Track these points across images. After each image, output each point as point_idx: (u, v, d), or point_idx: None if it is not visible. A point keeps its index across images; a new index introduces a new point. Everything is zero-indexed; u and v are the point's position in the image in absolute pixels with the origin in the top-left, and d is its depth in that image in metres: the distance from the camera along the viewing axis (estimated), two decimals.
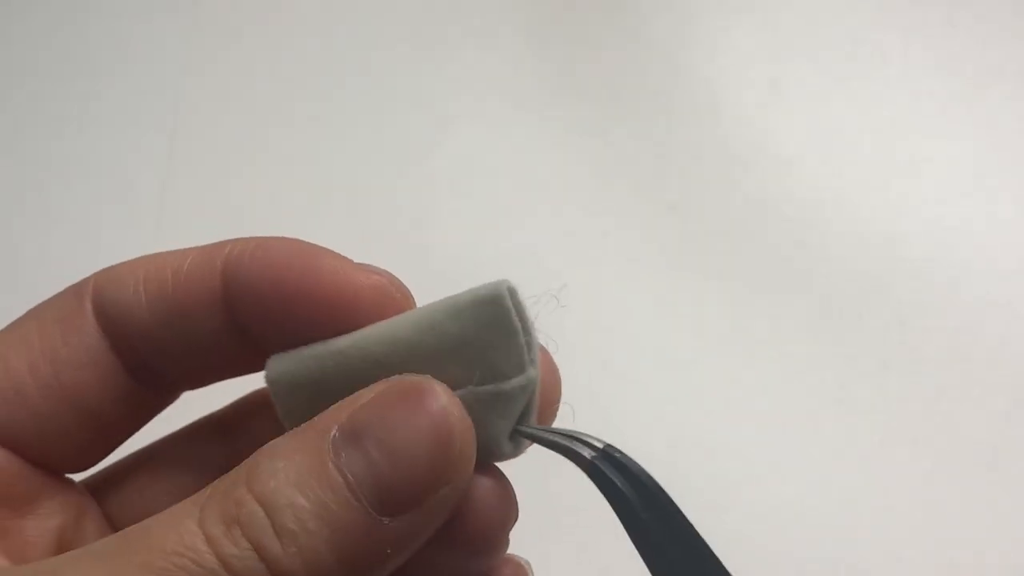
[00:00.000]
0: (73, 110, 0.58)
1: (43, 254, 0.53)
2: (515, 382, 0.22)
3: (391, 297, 0.24)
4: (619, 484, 0.22)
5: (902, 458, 0.46)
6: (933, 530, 0.45)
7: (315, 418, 0.21)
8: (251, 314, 0.24)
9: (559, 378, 0.25)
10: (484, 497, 0.23)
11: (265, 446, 0.21)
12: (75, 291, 0.26)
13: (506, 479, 0.23)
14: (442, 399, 0.21)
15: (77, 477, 0.27)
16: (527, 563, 0.26)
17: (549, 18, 0.60)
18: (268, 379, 0.24)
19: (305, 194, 0.54)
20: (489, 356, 0.22)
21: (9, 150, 0.57)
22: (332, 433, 0.21)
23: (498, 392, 0.22)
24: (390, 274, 0.24)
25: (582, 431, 0.22)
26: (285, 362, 0.24)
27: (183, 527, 0.20)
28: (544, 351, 0.24)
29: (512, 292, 0.22)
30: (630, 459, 0.22)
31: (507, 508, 0.23)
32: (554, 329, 0.53)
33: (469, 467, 0.21)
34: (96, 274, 0.26)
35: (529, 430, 0.23)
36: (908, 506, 0.45)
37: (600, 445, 0.22)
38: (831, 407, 0.48)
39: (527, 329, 0.22)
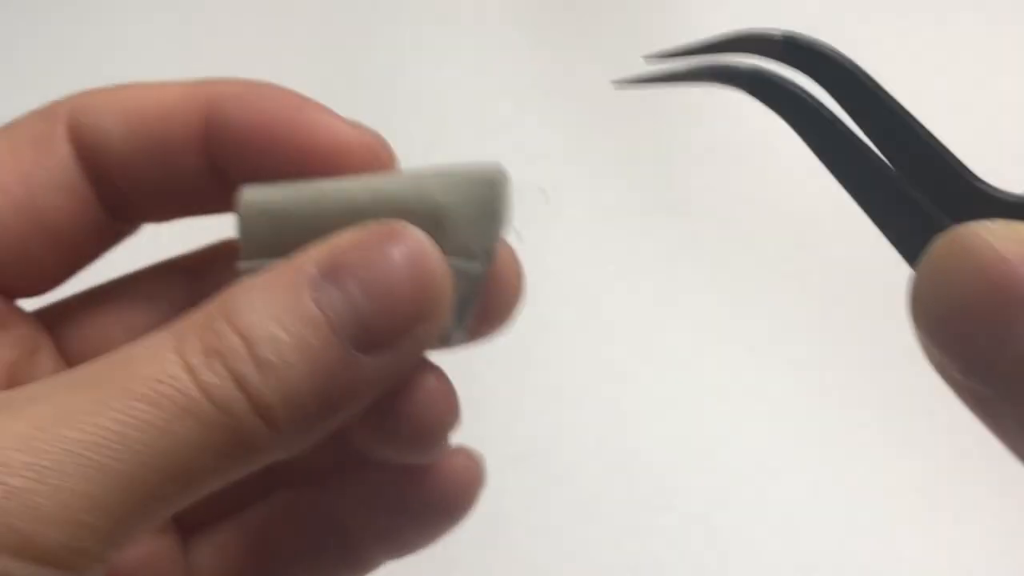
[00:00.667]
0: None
1: None
2: (478, 265, 0.23)
3: (380, 158, 0.24)
4: (794, 98, 0.20)
5: (903, 458, 0.46)
6: (934, 531, 0.45)
7: (292, 257, 0.22)
8: (232, 158, 0.24)
9: (522, 274, 0.25)
10: (425, 389, 0.23)
11: (241, 282, 0.21)
12: (46, 114, 0.26)
13: (451, 382, 0.24)
14: (423, 241, 0.22)
15: (31, 303, 0.27)
16: (480, 455, 0.26)
17: (548, 18, 0.60)
18: (238, 197, 0.24)
19: None
20: (464, 232, 0.23)
21: None
22: (310, 270, 0.21)
23: (461, 270, 0.23)
24: (381, 136, 0.25)
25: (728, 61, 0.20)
26: (261, 188, 0.24)
27: (163, 357, 0.20)
28: (507, 246, 0.24)
29: (505, 177, 0.23)
30: (782, 78, 0.20)
31: (447, 403, 0.24)
32: (554, 328, 0.53)
33: (444, 308, 0.22)
34: (71, 98, 0.26)
35: (651, 73, 0.21)
36: (909, 506, 0.45)
37: (748, 68, 0.20)
38: (831, 407, 0.48)
39: (505, 218, 0.23)
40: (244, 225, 0.24)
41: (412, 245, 0.21)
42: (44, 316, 0.27)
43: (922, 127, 0.19)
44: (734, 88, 0.21)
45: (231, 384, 0.20)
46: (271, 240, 0.23)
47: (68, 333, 0.27)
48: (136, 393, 0.20)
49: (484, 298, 0.24)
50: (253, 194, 0.24)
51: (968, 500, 0.45)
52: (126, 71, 0.58)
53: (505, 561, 0.44)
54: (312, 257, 0.21)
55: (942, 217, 0.19)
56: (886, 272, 0.54)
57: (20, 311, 0.26)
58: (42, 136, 0.25)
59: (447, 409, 0.24)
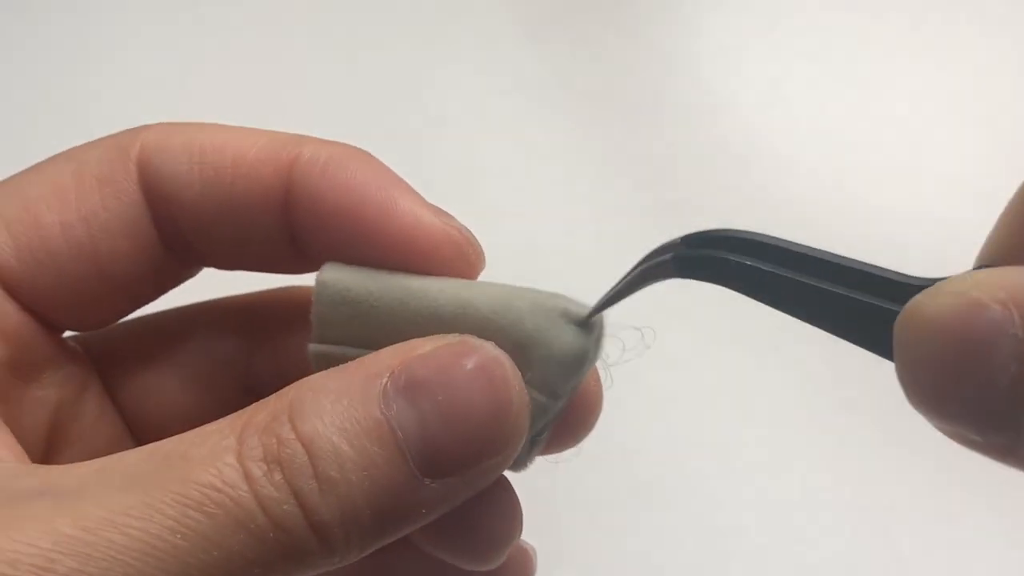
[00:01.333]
0: (73, 108, 0.58)
1: None
2: (558, 404, 0.22)
3: (465, 256, 0.23)
4: (711, 273, 0.21)
5: (904, 458, 0.46)
6: (935, 531, 0.45)
7: (365, 358, 0.20)
8: (312, 229, 0.23)
9: (601, 403, 0.25)
10: (492, 504, 0.23)
11: (309, 379, 0.20)
12: (119, 147, 0.24)
13: (515, 494, 0.23)
14: (506, 368, 0.20)
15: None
16: (532, 549, 0.26)
17: (548, 18, 0.60)
18: (320, 279, 0.23)
19: None
20: (551, 370, 0.21)
21: (9, 149, 0.57)
22: (384, 380, 0.20)
23: (540, 404, 0.21)
24: (467, 229, 0.24)
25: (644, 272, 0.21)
26: (343, 271, 0.23)
27: (221, 460, 0.19)
28: (594, 374, 0.24)
29: (602, 328, 0.22)
30: (702, 253, 0.21)
31: (512, 518, 0.23)
32: None
33: (519, 443, 0.21)
34: (144, 132, 0.25)
35: (600, 302, 0.22)
36: (910, 507, 0.45)
37: (666, 257, 0.21)
38: (831, 407, 0.48)
39: (594, 360, 0.22)
40: (321, 308, 0.23)
41: (496, 373, 0.20)
42: (92, 345, 0.26)
43: (832, 253, 0.21)
44: (667, 280, 0.21)
45: (290, 499, 0.19)
46: (347, 328, 0.22)
47: (118, 374, 0.26)
48: (191, 500, 0.19)
49: (557, 426, 0.23)
50: (335, 276, 0.23)
51: (968, 501, 0.45)
52: (125, 72, 0.58)
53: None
54: (387, 364, 0.20)
55: (892, 308, 0.20)
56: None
57: (70, 347, 0.25)
58: (111, 174, 0.24)
59: (512, 524, 0.23)
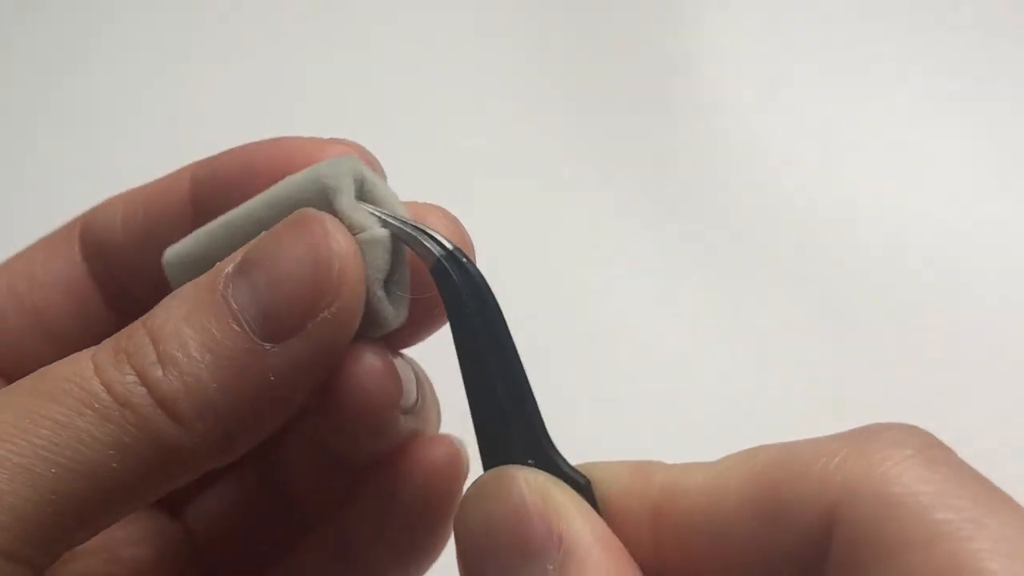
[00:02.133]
0: (72, 108, 0.58)
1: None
2: (382, 232, 0.22)
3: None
4: (459, 285, 0.22)
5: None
6: None
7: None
8: (219, 204, 0.24)
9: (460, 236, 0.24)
10: (360, 372, 0.23)
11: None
12: (70, 222, 0.27)
13: (390, 359, 0.23)
14: (326, 224, 0.21)
15: None
16: (460, 442, 0.26)
17: (548, 18, 0.60)
18: (164, 262, 0.24)
19: None
20: (354, 205, 0.22)
21: (9, 149, 0.57)
22: (226, 270, 0.21)
23: (366, 242, 0.22)
24: (359, 145, 0.25)
25: (436, 232, 0.23)
26: (179, 245, 0.24)
27: (78, 359, 0.21)
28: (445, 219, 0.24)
29: (353, 167, 0.23)
30: (475, 267, 0.22)
31: (387, 385, 0.23)
32: (554, 328, 0.53)
33: (351, 290, 0.21)
34: (93, 207, 0.27)
35: (376, 209, 0.23)
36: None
37: (450, 247, 0.22)
38: (830, 407, 0.48)
39: (366, 191, 0.23)
40: (174, 281, 0.24)
41: (314, 227, 0.21)
42: None
43: (527, 385, 0.22)
44: (424, 259, 0.23)
45: (134, 379, 0.20)
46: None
47: None
48: (41, 391, 0.20)
49: (408, 270, 0.23)
50: (174, 251, 0.24)
51: None
52: (128, 71, 0.58)
53: None
54: (229, 259, 0.21)
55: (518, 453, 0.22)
56: (886, 272, 0.55)
57: None
58: (56, 241, 0.27)
59: (385, 385, 0.23)
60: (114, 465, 0.20)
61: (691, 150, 0.55)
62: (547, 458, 0.22)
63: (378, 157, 0.26)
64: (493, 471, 0.21)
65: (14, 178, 0.56)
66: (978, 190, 0.54)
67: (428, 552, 0.26)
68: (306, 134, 0.26)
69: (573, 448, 0.23)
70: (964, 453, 0.19)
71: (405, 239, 0.23)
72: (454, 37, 0.60)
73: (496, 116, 0.57)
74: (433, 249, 0.22)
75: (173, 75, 0.58)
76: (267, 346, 0.20)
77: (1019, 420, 0.46)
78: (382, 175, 0.25)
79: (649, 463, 0.22)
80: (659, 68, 0.58)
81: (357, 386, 0.22)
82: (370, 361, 0.23)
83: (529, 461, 0.21)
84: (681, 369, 0.49)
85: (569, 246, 0.53)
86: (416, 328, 0.24)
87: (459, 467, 0.25)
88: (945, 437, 0.20)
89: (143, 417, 0.20)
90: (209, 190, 0.25)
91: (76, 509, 0.19)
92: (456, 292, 0.22)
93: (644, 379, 0.49)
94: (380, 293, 0.22)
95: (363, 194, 0.23)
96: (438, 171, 0.54)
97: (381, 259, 0.22)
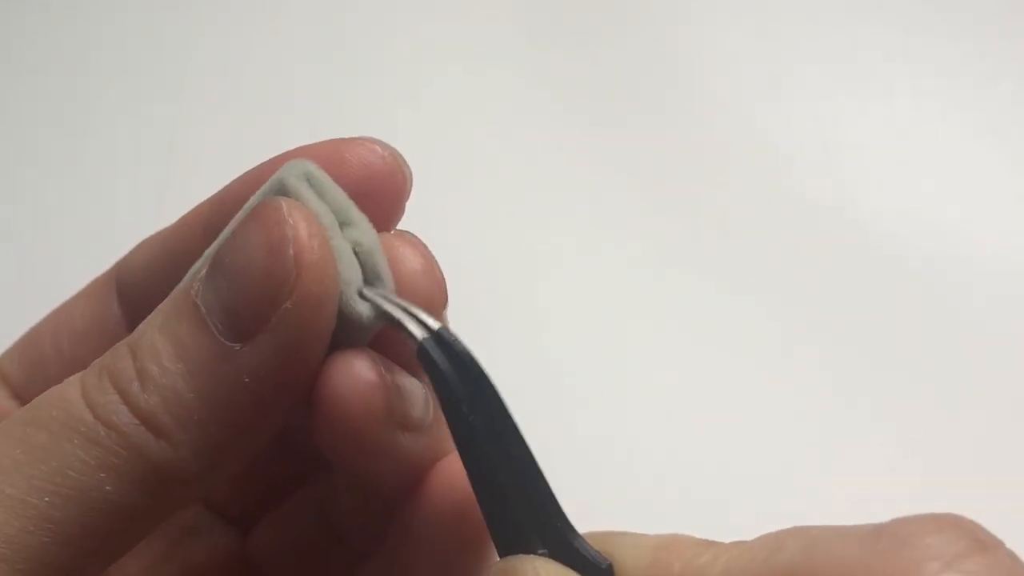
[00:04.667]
0: (73, 109, 0.58)
1: (42, 253, 0.53)
2: (340, 233, 0.21)
3: (382, 172, 0.23)
4: (447, 372, 0.20)
5: (902, 458, 0.46)
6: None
7: None
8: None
9: (428, 265, 0.23)
10: (338, 381, 0.21)
11: None
12: (111, 268, 0.27)
13: (379, 370, 0.21)
14: (282, 209, 0.20)
15: None
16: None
17: (548, 19, 0.60)
18: None
19: None
20: (316, 204, 0.21)
21: (9, 149, 0.57)
22: (200, 274, 0.20)
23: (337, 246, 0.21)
24: (385, 145, 0.24)
25: (419, 309, 0.21)
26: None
27: (67, 384, 0.20)
28: (413, 242, 0.23)
29: (294, 169, 0.21)
30: (464, 347, 0.20)
31: (370, 397, 0.21)
32: (556, 328, 0.53)
33: (312, 275, 0.20)
34: (127, 253, 0.27)
35: (368, 292, 0.21)
36: (909, 508, 0.45)
37: (435, 327, 0.21)
38: (829, 407, 0.48)
39: (324, 198, 0.21)
40: None
41: (269, 215, 0.20)
42: None
43: (536, 465, 0.21)
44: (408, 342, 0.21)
45: (114, 396, 0.19)
46: None
47: None
48: (30, 419, 0.20)
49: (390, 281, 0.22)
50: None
51: (969, 504, 0.45)
52: (125, 71, 0.58)
53: None
54: (204, 261, 0.21)
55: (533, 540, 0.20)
56: (886, 272, 0.55)
57: None
58: (96, 287, 0.27)
59: (367, 397, 0.21)
60: (108, 488, 0.19)
61: (690, 150, 0.55)
62: (564, 542, 0.20)
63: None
64: (502, 564, 0.20)
65: (14, 180, 0.56)
66: (978, 190, 0.53)
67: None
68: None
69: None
70: (965, 455, 0.19)
71: (389, 321, 0.21)
72: (453, 42, 0.60)
73: (494, 116, 0.57)
74: (416, 331, 0.21)
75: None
76: (236, 347, 0.19)
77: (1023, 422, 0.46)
78: (401, 171, 0.24)
79: (674, 540, 0.20)
80: (659, 68, 0.58)
81: (333, 396, 0.21)
82: (352, 369, 0.21)
83: (541, 551, 0.20)
84: (679, 370, 0.49)
85: (567, 247, 0.53)
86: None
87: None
88: (945, 439, 0.19)
89: (127, 436, 0.19)
90: (220, 218, 0.24)
91: (77, 538, 0.19)
92: (444, 377, 0.20)
93: (645, 378, 0.49)
94: (353, 294, 0.21)
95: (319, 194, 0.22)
96: (438, 176, 0.54)
97: (349, 268, 0.21)
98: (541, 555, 0.20)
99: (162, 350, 0.20)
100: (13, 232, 0.54)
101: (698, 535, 0.21)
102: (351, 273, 0.21)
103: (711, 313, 0.50)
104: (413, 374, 0.22)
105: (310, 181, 0.21)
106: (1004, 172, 0.54)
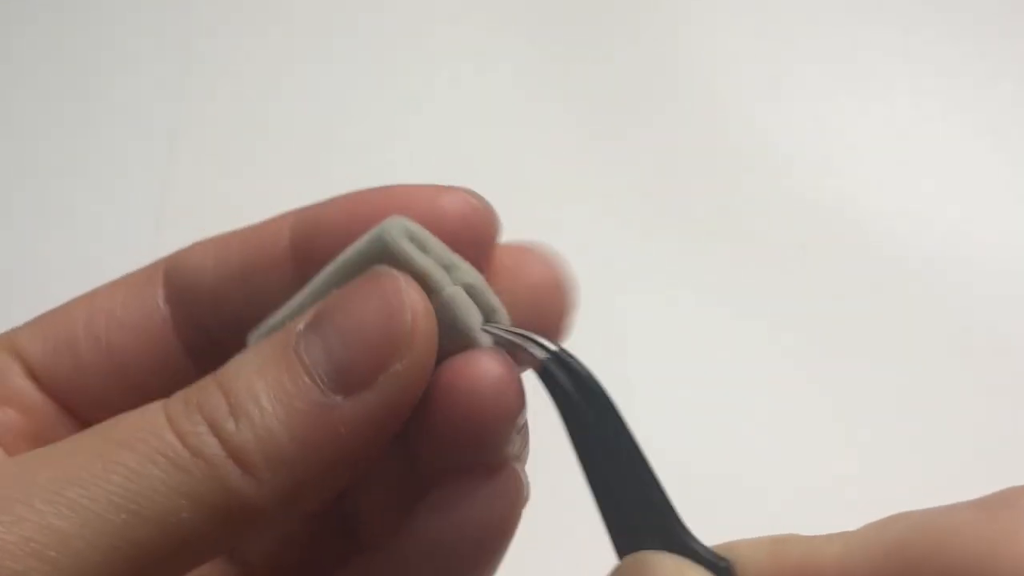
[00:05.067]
0: (73, 110, 0.58)
1: (43, 254, 0.53)
2: (449, 289, 0.22)
3: (477, 222, 0.24)
4: (569, 389, 0.22)
5: (900, 456, 0.46)
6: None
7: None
8: (321, 259, 0.24)
9: (560, 291, 0.24)
10: (481, 375, 0.22)
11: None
12: (154, 263, 0.26)
13: (512, 364, 0.22)
14: (399, 280, 0.21)
15: None
16: (524, 474, 0.25)
17: (548, 20, 0.60)
18: (247, 343, 0.24)
19: (307, 197, 0.54)
20: (420, 260, 0.22)
21: (9, 149, 0.57)
22: (299, 327, 0.21)
23: (443, 300, 0.22)
24: (477, 195, 0.25)
25: (536, 335, 0.22)
26: (262, 327, 0.24)
27: (149, 410, 0.21)
28: (546, 264, 0.24)
29: (395, 228, 0.22)
30: (583, 367, 0.22)
31: (510, 394, 0.22)
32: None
33: (424, 343, 0.21)
34: (179, 250, 0.27)
35: (488, 327, 0.23)
36: (907, 504, 0.45)
37: (554, 348, 0.22)
38: (828, 407, 0.48)
39: (427, 252, 0.22)
40: None
41: (386, 283, 0.21)
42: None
43: (652, 472, 0.22)
44: (528, 368, 0.23)
45: (206, 428, 0.20)
46: None
47: None
48: (114, 438, 0.20)
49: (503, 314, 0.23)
50: (256, 334, 0.24)
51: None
52: (127, 69, 0.58)
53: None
54: (301, 317, 0.21)
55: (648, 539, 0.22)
56: (886, 272, 0.55)
57: None
58: (139, 279, 0.26)
59: (507, 393, 0.22)
60: (184, 515, 0.19)
61: (690, 151, 0.55)
62: (683, 544, 0.21)
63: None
64: (630, 558, 0.21)
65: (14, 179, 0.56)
66: (978, 190, 0.54)
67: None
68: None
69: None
70: (965, 456, 0.19)
71: (505, 345, 0.22)
72: (454, 44, 0.60)
73: (495, 116, 0.57)
74: (537, 354, 0.22)
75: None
76: (338, 399, 0.20)
77: (1022, 419, 0.47)
78: (492, 222, 0.25)
79: (788, 536, 0.21)
80: (659, 68, 0.58)
81: (476, 391, 0.22)
82: (490, 365, 0.22)
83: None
84: (676, 371, 0.49)
85: (567, 247, 0.52)
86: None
87: (517, 500, 0.24)
88: (946, 439, 0.20)
89: (215, 467, 0.20)
90: (310, 239, 0.25)
91: (143, 558, 0.19)
92: (566, 393, 0.22)
93: (645, 378, 0.49)
94: (478, 331, 0.22)
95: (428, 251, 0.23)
96: (437, 172, 0.54)
97: (471, 307, 0.22)
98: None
99: (260, 392, 0.20)
100: (13, 232, 0.54)
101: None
102: (473, 314, 0.22)
103: (711, 313, 0.50)
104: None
105: (411, 238, 0.23)
106: (1004, 172, 0.54)
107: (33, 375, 0.26)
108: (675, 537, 0.21)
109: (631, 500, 0.22)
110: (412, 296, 0.21)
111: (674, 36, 0.59)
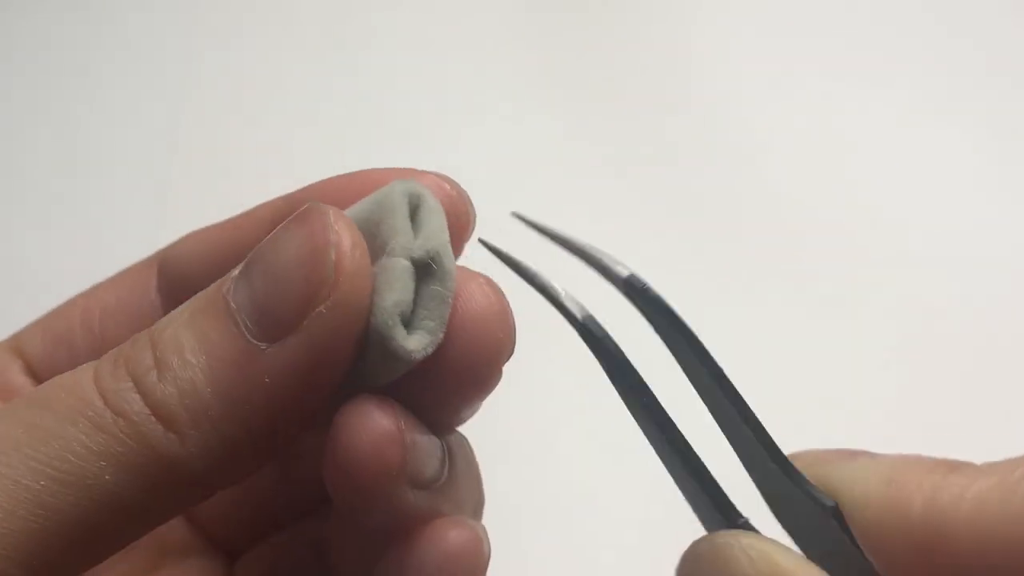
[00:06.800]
0: (73, 110, 0.58)
1: (42, 254, 0.53)
2: (405, 263, 0.21)
3: (448, 207, 0.24)
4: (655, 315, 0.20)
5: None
6: None
7: None
8: None
9: (502, 322, 0.23)
10: (354, 428, 0.20)
11: None
12: (150, 256, 0.26)
13: (397, 421, 0.21)
14: (327, 216, 0.20)
15: None
16: (481, 528, 0.23)
17: (548, 17, 0.60)
18: None
19: None
20: (383, 232, 0.21)
21: (9, 149, 0.57)
22: (233, 273, 0.20)
23: (395, 269, 0.21)
24: (450, 180, 0.24)
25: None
26: None
27: (81, 369, 0.20)
28: (488, 288, 0.23)
29: (409, 188, 0.22)
30: (659, 295, 0.21)
31: (384, 450, 0.20)
32: (556, 327, 0.53)
33: (350, 286, 0.19)
34: (173, 242, 0.26)
35: (543, 225, 0.22)
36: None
37: (624, 274, 0.21)
38: (824, 406, 0.48)
39: (417, 219, 0.21)
40: None
41: (314, 219, 0.20)
42: None
43: (742, 402, 0.21)
44: (608, 280, 0.22)
45: (128, 384, 0.19)
46: None
47: None
48: (38, 400, 0.19)
49: (447, 314, 0.21)
50: None
51: None
52: (125, 71, 0.58)
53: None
54: (237, 264, 0.20)
55: (732, 512, 0.20)
56: (886, 272, 0.54)
57: None
58: (135, 272, 0.26)
59: (381, 449, 0.20)
60: (107, 478, 0.18)
61: (690, 151, 0.55)
62: (780, 481, 0.20)
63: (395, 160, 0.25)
64: (706, 540, 0.20)
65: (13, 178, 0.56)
66: (978, 190, 0.54)
67: None
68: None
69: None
70: (964, 456, 0.19)
71: (581, 256, 0.21)
72: (453, 40, 0.60)
73: (494, 116, 0.57)
74: (619, 270, 0.21)
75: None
76: (262, 346, 0.19)
77: (1019, 421, 0.46)
78: (465, 208, 0.24)
79: (905, 467, 0.20)
80: (659, 68, 0.58)
81: (348, 444, 0.20)
82: (371, 419, 0.20)
83: (741, 520, 0.20)
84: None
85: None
86: (455, 388, 0.22)
87: (475, 557, 0.22)
88: (945, 439, 0.19)
89: (136, 425, 0.19)
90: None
91: (69, 527, 0.18)
92: (607, 349, 0.21)
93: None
94: (395, 317, 0.20)
95: (417, 218, 0.22)
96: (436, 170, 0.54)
97: (399, 283, 0.21)
98: (741, 525, 0.20)
99: (184, 343, 0.19)
100: (13, 232, 0.54)
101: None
102: (402, 295, 0.21)
103: (710, 313, 0.50)
104: (432, 431, 0.22)
105: (411, 201, 0.22)
106: (1004, 172, 0.54)
107: (32, 371, 0.25)
108: (772, 474, 0.20)
109: (733, 436, 0.21)
110: (340, 233, 0.19)
111: (674, 36, 0.59)
